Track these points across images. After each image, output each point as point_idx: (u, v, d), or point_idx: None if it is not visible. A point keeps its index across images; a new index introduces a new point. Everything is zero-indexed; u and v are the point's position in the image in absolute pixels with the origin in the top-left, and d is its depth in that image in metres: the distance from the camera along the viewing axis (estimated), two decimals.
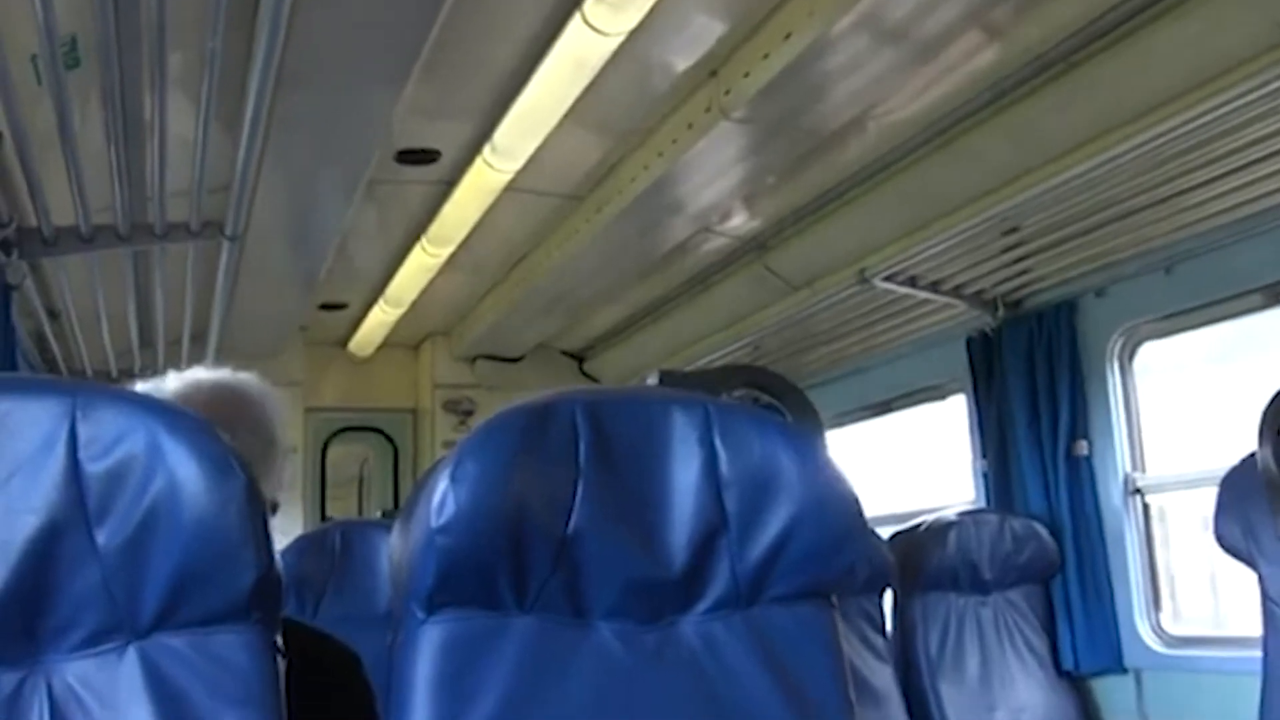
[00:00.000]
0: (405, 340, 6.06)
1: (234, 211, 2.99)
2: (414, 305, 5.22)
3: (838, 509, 1.29)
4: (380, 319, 5.47)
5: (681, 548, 1.26)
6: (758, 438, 1.28)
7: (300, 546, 2.70)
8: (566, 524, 1.21)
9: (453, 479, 1.16)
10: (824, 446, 1.32)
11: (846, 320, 4.25)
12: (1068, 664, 3.46)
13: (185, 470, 1.00)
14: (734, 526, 1.27)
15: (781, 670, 1.27)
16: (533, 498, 1.19)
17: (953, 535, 3.42)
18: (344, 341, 5.99)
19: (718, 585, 1.27)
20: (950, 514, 3.55)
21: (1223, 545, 1.86)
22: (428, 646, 1.17)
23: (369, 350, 5.99)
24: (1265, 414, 1.80)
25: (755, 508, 1.27)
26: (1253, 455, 1.82)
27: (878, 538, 3.37)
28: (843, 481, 1.30)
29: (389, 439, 6.21)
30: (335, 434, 6.13)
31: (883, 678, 3.22)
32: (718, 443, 1.27)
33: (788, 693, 1.26)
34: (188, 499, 1.00)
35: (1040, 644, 3.49)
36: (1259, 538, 1.74)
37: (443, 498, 1.16)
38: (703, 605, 1.27)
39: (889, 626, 3.38)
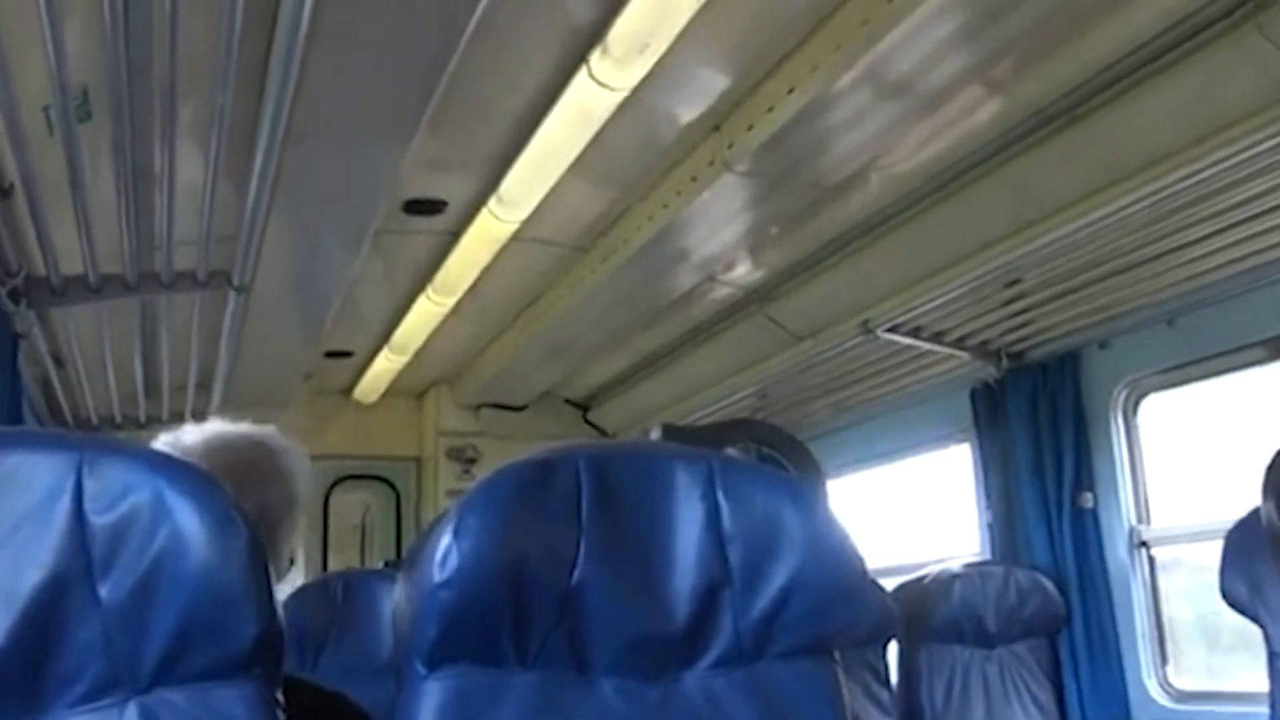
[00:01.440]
0: (410, 388, 6.07)
1: (241, 262, 3.01)
2: (419, 353, 5.24)
3: (840, 563, 1.29)
4: (385, 367, 5.48)
5: (684, 603, 1.25)
6: (760, 492, 1.29)
7: (302, 597, 2.69)
8: (569, 579, 1.21)
9: (455, 534, 1.16)
10: (826, 499, 1.32)
11: (850, 370, 4.26)
12: (1074, 718, 3.43)
13: (189, 524, 1.01)
14: (737, 581, 1.26)
15: None
16: (535, 552, 1.19)
17: (957, 587, 3.41)
18: (348, 389, 6.00)
19: (721, 641, 1.27)
20: (955, 566, 3.54)
21: (1229, 601, 1.85)
22: (430, 703, 1.16)
23: (373, 398, 5.99)
24: (1270, 470, 1.79)
25: (758, 562, 1.26)
26: (1257, 510, 1.81)
27: (881, 589, 3.35)
28: (845, 536, 1.30)
29: (392, 487, 6.19)
30: (338, 481, 6.12)
31: None
32: (720, 497, 1.27)
33: None
34: (191, 553, 1.00)
35: (1046, 698, 3.46)
36: (1265, 594, 1.73)
37: (446, 552, 1.15)
38: (706, 661, 1.27)
39: (893, 678, 3.35)
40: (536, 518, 1.20)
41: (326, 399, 6.00)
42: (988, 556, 3.81)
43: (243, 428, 1.45)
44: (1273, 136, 2.52)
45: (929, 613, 3.39)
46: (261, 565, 1.04)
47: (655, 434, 1.23)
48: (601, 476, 1.24)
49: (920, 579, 3.51)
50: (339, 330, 4.93)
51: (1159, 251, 3.10)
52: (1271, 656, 1.73)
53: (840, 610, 1.30)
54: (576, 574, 1.21)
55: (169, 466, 1.05)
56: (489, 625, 1.18)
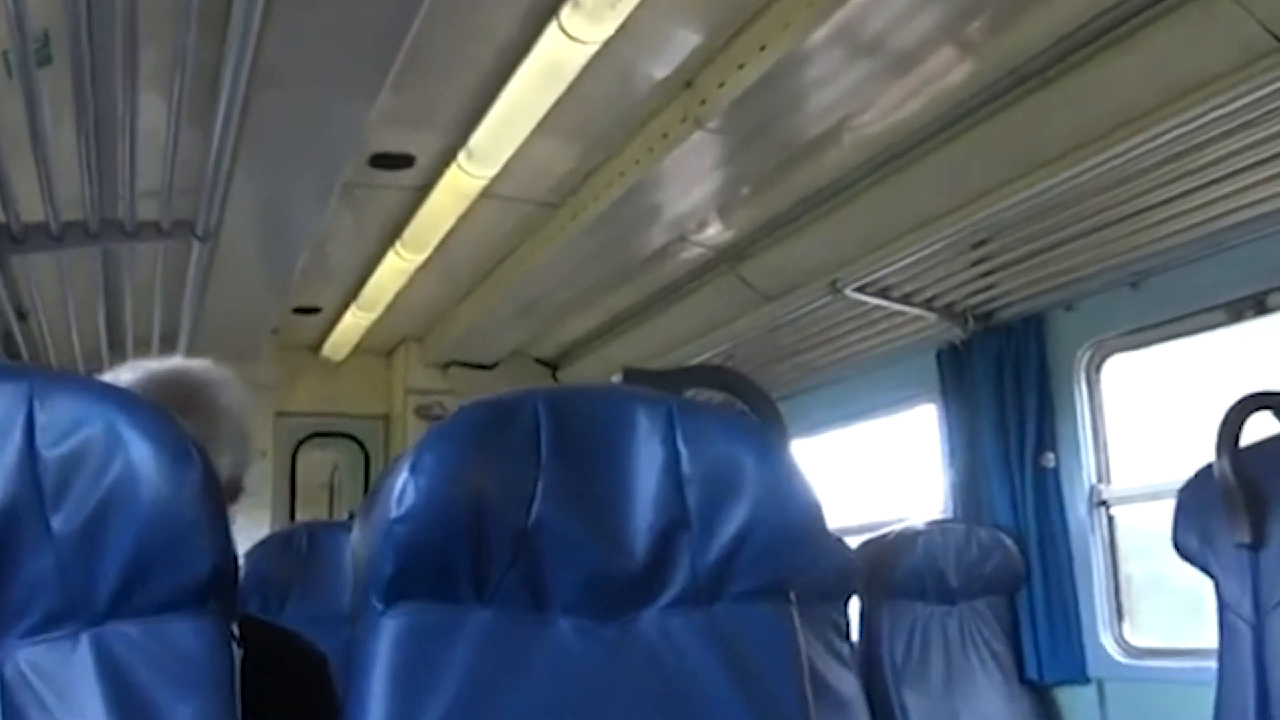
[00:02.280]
0: (378, 346, 6.04)
1: (205, 211, 2.98)
2: (387, 310, 5.21)
3: (798, 507, 1.30)
4: (353, 323, 5.45)
5: (642, 543, 1.26)
6: (720, 435, 1.29)
7: (266, 547, 2.69)
8: (527, 517, 1.21)
9: (413, 470, 1.16)
10: (787, 445, 1.33)
11: (819, 331, 4.28)
12: (1031, 673, 3.49)
13: (142, 456, 1.00)
14: (695, 522, 1.27)
15: (740, 667, 1.27)
16: (493, 491, 1.19)
17: (920, 544, 3.45)
18: (316, 346, 5.96)
19: (678, 581, 1.28)
20: (918, 523, 3.58)
21: (1181, 553, 1.89)
22: (386, 638, 1.17)
23: (341, 355, 5.96)
24: (1222, 425, 1.83)
25: (716, 504, 1.28)
26: (1210, 466, 1.84)
27: (845, 545, 3.39)
28: (803, 480, 1.31)
29: (360, 445, 6.18)
30: (306, 439, 6.09)
31: (847, 684, 3.23)
32: (680, 439, 1.28)
33: (746, 689, 1.27)
34: (144, 485, 1.00)
35: (1004, 653, 3.52)
36: (1215, 546, 1.77)
37: (403, 489, 1.16)
38: (662, 601, 1.28)
39: (854, 634, 3.39)
40: (495, 456, 1.20)
41: (294, 355, 5.96)
42: (951, 515, 3.85)
43: (173, 362, 1.44)
44: (1240, 98, 2.53)
45: (891, 569, 3.43)
46: (216, 498, 1.04)
47: (617, 378, 1.23)
48: (561, 417, 1.25)
49: (884, 536, 3.55)
50: (307, 286, 4.90)
51: (1125, 214, 3.12)
52: (1221, 606, 1.77)
53: (797, 552, 1.31)
54: (534, 513, 1.22)
55: (121, 399, 1.04)
56: (446, 562, 1.18)
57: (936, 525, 3.58)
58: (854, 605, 3.45)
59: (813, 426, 4.60)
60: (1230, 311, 3.12)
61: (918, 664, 3.37)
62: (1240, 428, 1.79)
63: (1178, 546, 1.87)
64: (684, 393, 1.34)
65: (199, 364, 1.45)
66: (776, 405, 1.35)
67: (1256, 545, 1.68)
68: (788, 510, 1.29)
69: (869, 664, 3.36)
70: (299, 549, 2.71)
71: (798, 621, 1.33)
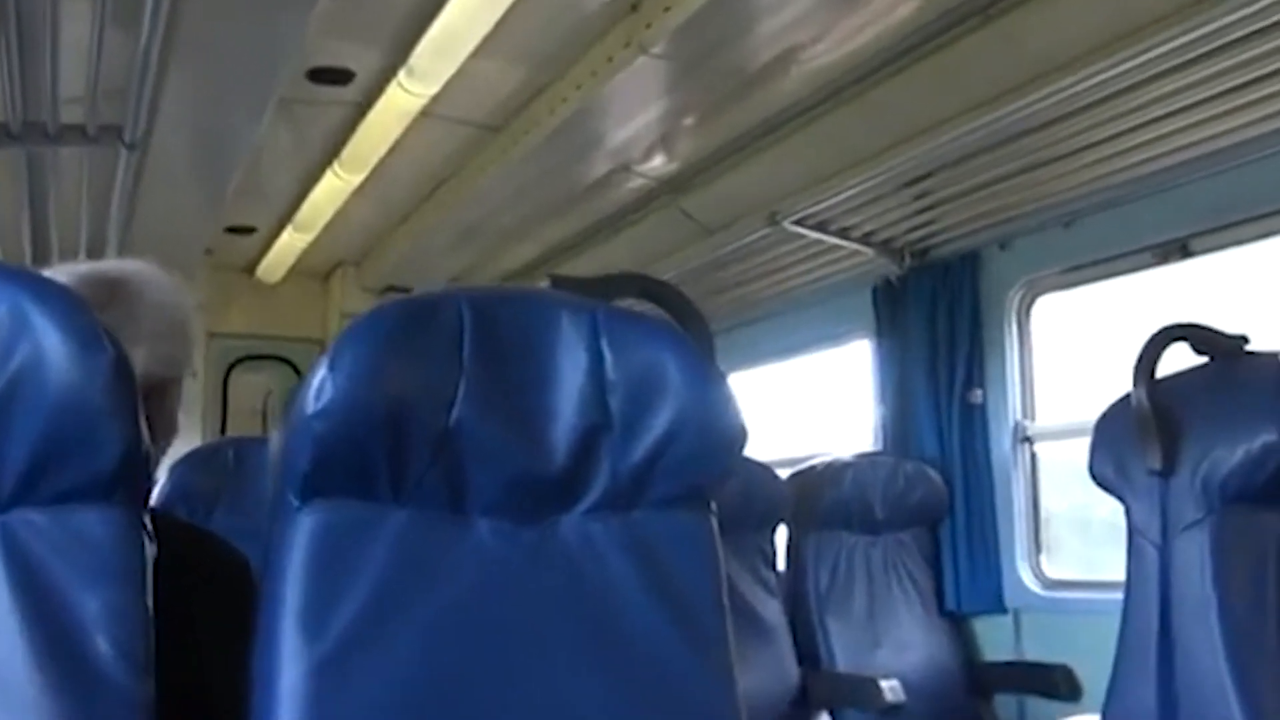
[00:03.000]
0: (314, 269, 5.95)
1: (133, 118, 2.90)
2: (324, 232, 5.12)
3: (720, 415, 1.31)
4: (289, 245, 5.36)
5: (563, 447, 1.26)
6: (645, 341, 1.29)
7: (192, 460, 2.65)
8: (448, 417, 1.21)
9: (331, 366, 1.15)
10: (711, 355, 1.34)
11: (758, 264, 4.29)
12: (951, 604, 3.57)
13: (50, 340, 0.98)
14: (617, 427, 1.28)
15: (658, 573, 1.28)
16: (413, 389, 1.18)
17: (848, 475, 3.50)
18: (251, 267, 5.86)
19: (598, 486, 1.28)
20: (847, 456, 3.63)
21: (1097, 481, 1.93)
22: (302, 535, 1.16)
23: (276, 277, 5.87)
24: (1141, 356, 1.87)
25: (639, 409, 1.28)
26: (1127, 396, 1.88)
27: (774, 476, 3.43)
28: (726, 388, 1.32)
29: (295, 368, 6.10)
30: (239, 361, 6.02)
31: (772, 611, 3.30)
32: (604, 344, 1.28)
33: (663, 594, 1.28)
34: (51, 370, 0.98)
35: (926, 584, 3.60)
36: (1129, 473, 1.81)
37: (320, 384, 1.14)
38: (583, 505, 1.28)
39: (781, 563, 3.45)
40: (416, 355, 1.19)
41: (228, 276, 5.86)
42: (880, 450, 3.90)
43: (111, 262, 1.41)
44: (1174, 41, 2.56)
45: (819, 500, 3.48)
46: (127, 386, 1.02)
47: (543, 284, 1.22)
48: (484, 318, 1.23)
49: (812, 468, 3.60)
50: (241, 205, 4.79)
51: (1061, 154, 3.15)
52: (1130, 531, 1.82)
53: (718, 460, 1.32)
54: (455, 413, 1.21)
55: (30, 281, 1.01)
56: (364, 459, 1.17)
57: (865, 458, 3.63)
58: (781, 535, 3.50)
59: (751, 360, 4.63)
60: (1158, 253, 3.17)
61: (841, 593, 3.43)
62: (1157, 359, 1.83)
63: (1094, 474, 1.91)
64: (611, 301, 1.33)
65: (131, 263, 1.41)
66: (702, 316, 1.36)
67: (1167, 472, 1.73)
68: (710, 418, 1.30)
69: (794, 592, 3.42)
70: (226, 463, 2.68)
71: (716, 529, 1.34)
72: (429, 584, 1.19)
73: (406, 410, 1.18)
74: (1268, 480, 1.65)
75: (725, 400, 1.31)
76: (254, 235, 5.43)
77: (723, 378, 1.33)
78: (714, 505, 1.35)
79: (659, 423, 1.28)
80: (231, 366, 6.00)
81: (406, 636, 1.16)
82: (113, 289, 1.32)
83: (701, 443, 1.29)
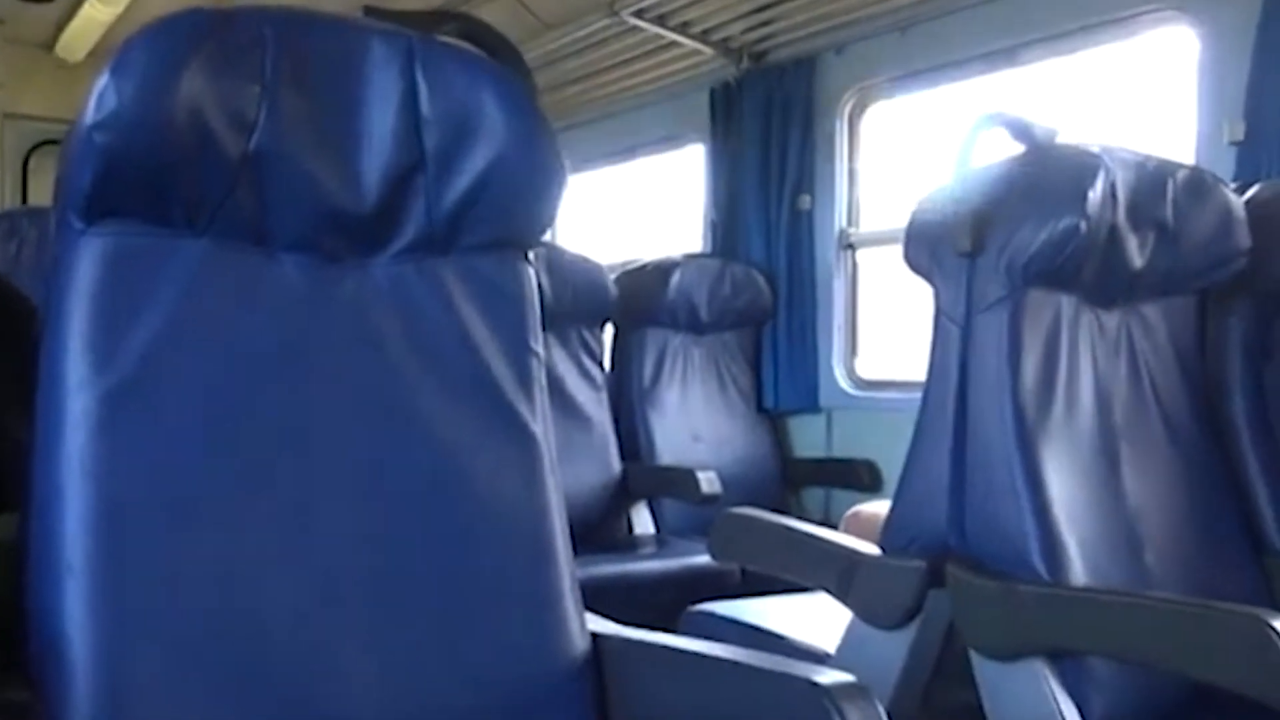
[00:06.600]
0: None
1: None
2: (131, 7, 4.73)
3: (539, 159, 1.27)
4: (92, 17, 4.92)
5: (375, 184, 1.20)
6: (463, 77, 1.23)
7: None
8: (248, 142, 1.12)
9: (114, 71, 1.05)
10: (533, 99, 1.28)
11: (597, 59, 4.17)
12: (769, 403, 3.70)
13: None
14: (432, 165, 1.22)
15: (470, 315, 1.26)
16: (210, 107, 1.09)
17: (675, 276, 3.53)
18: (50, 43, 5.39)
19: (412, 228, 1.24)
20: (676, 256, 3.65)
21: (911, 267, 1.99)
22: (86, 259, 1.08)
23: (79, 55, 5.40)
24: (959, 142, 1.90)
25: (454, 148, 1.22)
26: (943, 186, 1.92)
27: (603, 272, 3.43)
28: (546, 132, 1.28)
29: None
30: (39, 145, 5.59)
31: (596, 405, 3.35)
32: (420, 76, 1.21)
33: (474, 337, 1.26)
34: None
35: (746, 383, 3.71)
36: (939, 256, 1.87)
37: (102, 92, 1.04)
38: (395, 247, 1.24)
39: (607, 359, 3.49)
40: (213, 69, 1.09)
41: (24, 52, 5.37)
42: (709, 252, 3.94)
43: None
44: None
45: (646, 298, 3.51)
46: None
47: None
48: (289, 37, 1.14)
49: (642, 267, 3.62)
50: None
51: None
52: (936, 313, 1.88)
53: (536, 206, 1.29)
54: (256, 138, 1.13)
55: None
56: (154, 179, 1.09)
57: (692, 259, 3.67)
58: (608, 331, 3.53)
59: (588, 160, 4.56)
60: (987, 61, 3.22)
61: (664, 389, 3.51)
62: (974, 145, 1.86)
63: (907, 259, 1.96)
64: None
65: None
66: (525, 61, 1.29)
67: (975, 253, 1.79)
68: (528, 161, 1.26)
69: (618, 386, 3.48)
70: (23, 233, 2.51)
71: (534, 280, 1.32)
72: (226, 315, 1.13)
73: (202, 129, 1.09)
74: (1065, 262, 1.73)
75: (546, 144, 1.27)
76: (53, 5, 4.96)
77: (544, 121, 1.28)
78: (531, 257, 1.32)
79: (475, 164, 1.23)
80: (31, 150, 5.58)
81: (203, 368, 1.11)
82: None
83: (519, 187, 1.26)
